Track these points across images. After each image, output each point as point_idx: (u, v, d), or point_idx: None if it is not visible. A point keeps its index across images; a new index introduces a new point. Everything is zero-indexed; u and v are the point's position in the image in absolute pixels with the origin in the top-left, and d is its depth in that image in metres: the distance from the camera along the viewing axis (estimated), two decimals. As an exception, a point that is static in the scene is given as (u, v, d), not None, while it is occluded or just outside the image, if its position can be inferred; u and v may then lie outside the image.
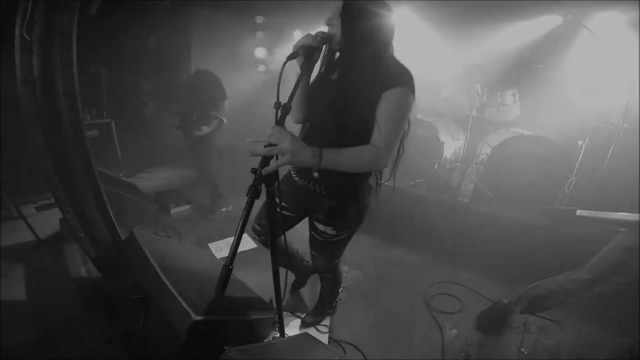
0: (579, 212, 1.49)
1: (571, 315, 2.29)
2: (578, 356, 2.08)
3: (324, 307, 2.25)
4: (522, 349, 2.09)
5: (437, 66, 4.31)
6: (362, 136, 1.33)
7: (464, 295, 2.54)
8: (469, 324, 2.27)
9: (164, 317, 1.35)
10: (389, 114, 1.29)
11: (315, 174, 1.20)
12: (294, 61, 1.28)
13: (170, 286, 1.36)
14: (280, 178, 1.20)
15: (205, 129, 3.23)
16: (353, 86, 1.34)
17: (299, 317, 2.23)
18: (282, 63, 1.16)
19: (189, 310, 1.26)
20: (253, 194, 0.98)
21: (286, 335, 1.65)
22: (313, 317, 2.21)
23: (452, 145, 3.71)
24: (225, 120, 3.31)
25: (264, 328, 1.76)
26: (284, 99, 1.14)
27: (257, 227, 1.82)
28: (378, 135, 1.29)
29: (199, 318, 1.26)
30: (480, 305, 2.37)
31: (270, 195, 1.09)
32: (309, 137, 1.49)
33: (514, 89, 3.72)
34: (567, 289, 1.91)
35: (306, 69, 1.32)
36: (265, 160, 1.03)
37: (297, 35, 5.28)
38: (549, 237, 2.86)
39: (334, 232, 1.58)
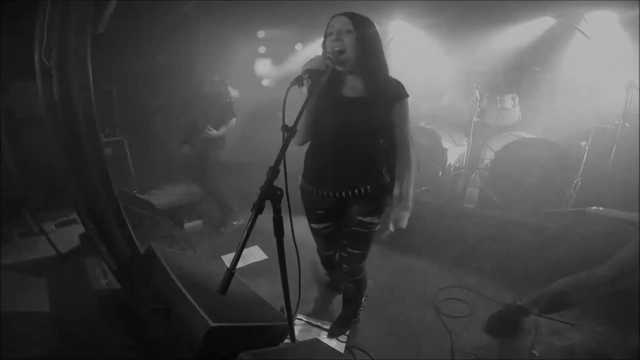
0: (588, 210, 1.52)
1: (584, 317, 2.29)
2: (592, 357, 2.07)
3: (350, 316, 2.27)
4: (534, 351, 2.09)
5: (436, 73, 4.40)
6: (372, 146, 1.59)
7: (473, 299, 2.56)
8: (478, 327, 2.29)
9: (182, 325, 1.43)
10: (405, 118, 1.59)
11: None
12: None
13: (188, 295, 1.44)
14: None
15: (214, 132, 3.32)
16: (370, 101, 1.51)
17: (324, 329, 2.25)
18: (287, 87, 1.22)
19: (206, 317, 1.34)
20: (257, 209, 1.05)
21: (297, 341, 1.72)
22: (339, 328, 2.23)
23: (455, 152, 3.76)
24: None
25: (277, 334, 1.82)
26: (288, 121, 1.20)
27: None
28: (400, 135, 1.60)
29: (215, 324, 1.33)
30: (489, 309, 2.39)
31: (277, 211, 1.16)
32: (320, 154, 1.65)
33: (513, 93, 3.77)
34: (590, 285, 1.91)
35: (313, 92, 1.34)
36: (271, 180, 1.09)
37: (299, 49, 5.42)
38: (555, 239, 2.88)
39: (377, 221, 1.75)
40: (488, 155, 3.60)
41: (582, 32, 3.18)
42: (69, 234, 2.86)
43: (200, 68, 4.40)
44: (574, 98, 3.57)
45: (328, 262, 2.28)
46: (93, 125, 1.99)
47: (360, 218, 1.73)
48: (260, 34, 5.41)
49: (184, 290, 1.45)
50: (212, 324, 1.32)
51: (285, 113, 1.20)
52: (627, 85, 3.00)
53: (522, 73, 4.03)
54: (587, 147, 3.32)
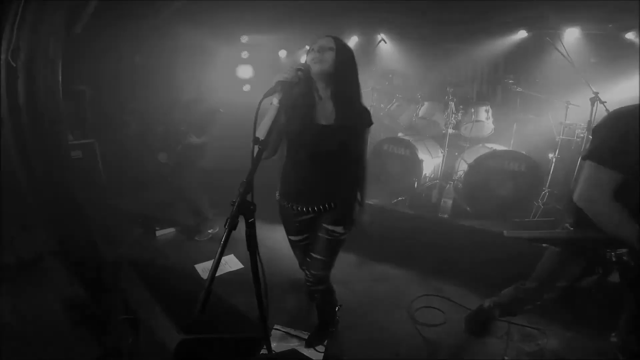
0: (506, 233, 1.62)
1: (553, 323, 2.37)
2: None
3: (326, 326, 2.27)
4: (506, 357, 2.14)
5: (414, 85, 4.50)
6: (346, 162, 1.70)
7: (447, 307, 2.59)
8: (454, 335, 2.32)
9: (152, 337, 1.37)
10: (367, 142, 1.77)
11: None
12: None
13: (158, 306, 1.39)
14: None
15: (195, 139, 3.26)
16: (342, 129, 1.60)
17: (303, 339, 2.23)
18: (260, 99, 1.21)
19: (176, 329, 1.29)
20: (230, 225, 1.03)
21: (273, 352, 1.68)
22: (317, 337, 2.23)
23: (431, 163, 3.83)
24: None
25: (252, 345, 1.78)
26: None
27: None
28: (362, 156, 1.77)
29: (186, 337, 1.28)
30: (463, 317, 2.43)
31: (250, 226, 1.14)
32: (295, 172, 1.74)
33: (487, 105, 3.87)
34: (520, 298, 2.01)
35: (284, 104, 1.36)
36: (244, 195, 1.08)
37: (282, 55, 5.42)
38: (525, 248, 2.96)
39: (342, 231, 1.81)
40: (462, 167, 3.68)
41: (554, 46, 3.30)
42: (34, 240, 2.70)
43: (180, 73, 4.32)
44: (545, 110, 3.72)
45: None
46: (59, 129, 1.91)
47: (325, 225, 1.80)
48: (244, 39, 5.36)
49: (153, 301, 1.40)
50: (182, 336, 1.27)
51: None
52: (593, 99, 3.11)
53: (495, 85, 4.17)
54: (554, 159, 3.47)
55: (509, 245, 3.01)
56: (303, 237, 1.94)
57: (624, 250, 1.37)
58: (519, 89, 3.67)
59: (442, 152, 3.82)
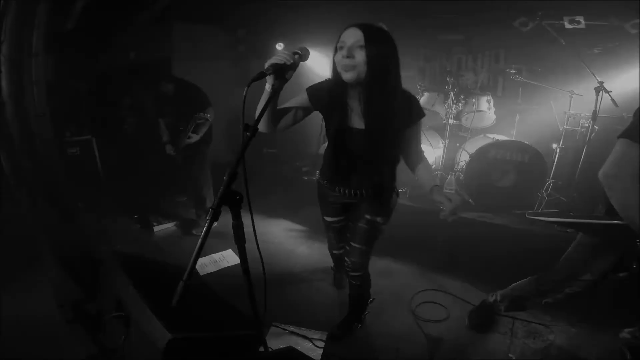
0: (528, 215, 1.57)
1: (559, 318, 2.31)
2: (566, 357, 2.09)
3: (353, 320, 2.23)
4: (510, 355, 2.09)
5: (414, 75, 4.43)
6: (392, 158, 1.70)
7: (450, 302, 2.54)
8: (456, 331, 2.27)
9: (143, 335, 1.34)
10: (419, 136, 1.68)
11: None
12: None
13: (147, 304, 1.35)
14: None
15: (195, 137, 3.22)
16: (388, 116, 1.48)
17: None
18: (248, 82, 1.12)
19: (165, 328, 1.25)
20: (213, 216, 0.98)
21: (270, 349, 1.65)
22: (342, 330, 2.18)
23: (431, 154, 3.78)
24: (210, 119, 3.27)
25: (248, 344, 1.75)
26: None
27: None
28: (420, 150, 1.68)
29: (175, 336, 1.25)
30: (466, 312, 2.37)
31: (236, 217, 1.09)
32: (338, 153, 1.69)
33: (489, 95, 3.81)
34: (540, 291, 1.96)
35: (277, 88, 1.29)
36: (228, 184, 1.03)
37: (280, 48, 5.33)
38: (529, 240, 2.92)
39: (381, 220, 1.84)
40: (463, 158, 3.63)
41: (557, 35, 3.23)
42: (25, 238, 2.67)
43: (175, 69, 4.26)
44: (548, 100, 3.65)
45: (337, 262, 2.41)
46: (47, 124, 1.86)
47: (368, 216, 1.82)
48: (240, 32, 5.29)
49: (142, 299, 1.36)
50: (171, 335, 1.23)
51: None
52: (598, 88, 3.06)
53: (497, 75, 4.10)
54: (558, 150, 3.40)
55: (513, 238, 2.97)
56: (339, 218, 1.98)
57: None
58: (520, 79, 3.60)
59: (443, 143, 3.76)
